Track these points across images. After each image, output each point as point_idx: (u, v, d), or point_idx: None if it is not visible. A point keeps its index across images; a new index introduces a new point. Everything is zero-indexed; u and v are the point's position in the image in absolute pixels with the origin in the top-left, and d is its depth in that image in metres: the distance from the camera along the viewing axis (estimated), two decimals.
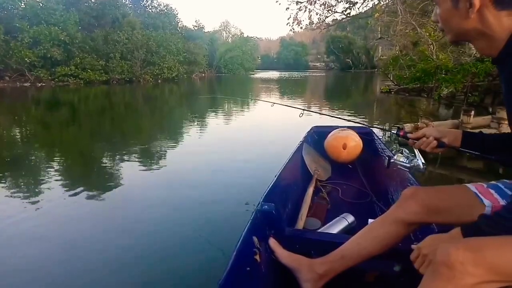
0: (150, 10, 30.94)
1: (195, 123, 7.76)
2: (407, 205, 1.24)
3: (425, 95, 11.60)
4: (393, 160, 1.54)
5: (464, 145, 1.22)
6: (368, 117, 8.24)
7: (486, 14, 0.88)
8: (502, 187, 1.15)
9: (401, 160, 1.52)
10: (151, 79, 24.47)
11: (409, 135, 1.32)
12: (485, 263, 0.80)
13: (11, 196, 3.19)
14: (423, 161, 1.46)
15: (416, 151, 1.44)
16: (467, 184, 1.21)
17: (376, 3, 10.12)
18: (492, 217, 0.92)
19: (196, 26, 38.12)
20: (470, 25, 0.90)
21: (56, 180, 3.66)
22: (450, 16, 0.94)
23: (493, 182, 1.19)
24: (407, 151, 1.52)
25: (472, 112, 5.06)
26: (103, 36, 23.26)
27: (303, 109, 1.79)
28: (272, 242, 1.52)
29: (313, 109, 10.33)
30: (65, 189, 3.37)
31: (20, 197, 3.19)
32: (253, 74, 39.98)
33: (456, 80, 8.75)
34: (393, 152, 2.66)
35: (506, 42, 0.88)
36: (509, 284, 0.86)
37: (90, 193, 3.27)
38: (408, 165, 1.49)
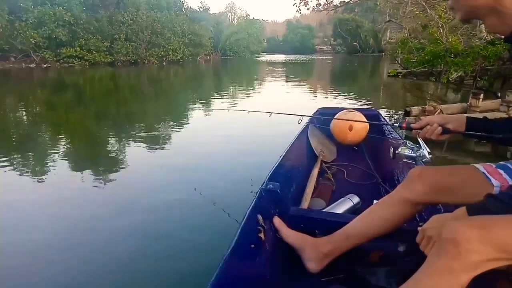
0: None
1: (200, 106, 7.73)
2: (414, 185, 1.22)
3: (433, 79, 11.42)
4: (398, 152, 1.52)
5: (468, 129, 1.20)
6: (375, 101, 8.14)
7: None
8: (511, 166, 1.13)
9: (406, 152, 1.50)
10: (156, 61, 24.29)
11: (412, 125, 1.29)
12: (492, 240, 0.79)
13: (17, 178, 3.21)
14: (428, 150, 1.43)
15: (421, 141, 1.40)
16: (475, 165, 1.19)
17: None
18: (499, 196, 0.90)
19: (201, 8, 37.51)
20: (482, 0, 0.87)
21: (58, 160, 3.69)
22: None
23: (502, 162, 1.17)
24: (411, 142, 1.49)
25: (481, 96, 4.97)
26: (108, 17, 22.99)
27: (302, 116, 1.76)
28: (277, 220, 1.52)
29: (318, 93, 10.25)
30: (66, 170, 3.40)
31: (26, 177, 3.22)
32: (259, 57, 39.55)
33: (466, 64, 8.60)
34: (400, 135, 2.64)
35: None
36: None
37: (94, 175, 3.30)
38: (414, 155, 1.47)
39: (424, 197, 1.21)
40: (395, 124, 1.40)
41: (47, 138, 4.92)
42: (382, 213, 1.30)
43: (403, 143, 1.52)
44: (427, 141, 1.35)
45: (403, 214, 1.28)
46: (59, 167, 3.48)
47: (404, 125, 1.35)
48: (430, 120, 1.23)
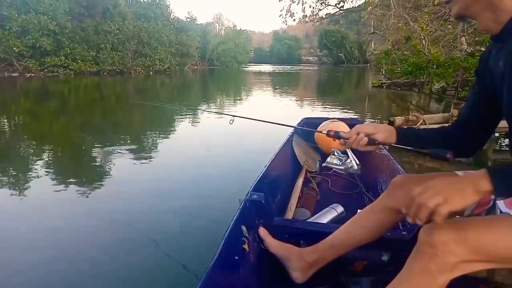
0: (141, 1, 30.45)
1: (185, 116, 7.71)
2: (396, 193, 1.23)
3: (417, 90, 11.68)
4: (325, 164, 1.46)
5: (398, 141, 1.17)
6: (360, 111, 8.26)
7: None
8: None
9: (334, 162, 1.43)
10: (142, 70, 24.20)
11: (341, 133, 1.23)
12: (467, 242, 0.80)
13: None
14: (357, 161, 1.37)
15: (349, 151, 1.36)
16: (457, 172, 1.20)
17: None
18: None
19: (188, 18, 37.71)
20: None
21: (42, 170, 3.60)
22: None
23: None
24: (339, 152, 1.43)
25: (462, 105, 5.10)
26: (94, 27, 22.89)
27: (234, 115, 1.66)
28: (262, 231, 1.52)
29: (305, 103, 10.34)
30: (50, 179, 3.32)
31: (6, 188, 3.14)
32: (246, 67, 39.82)
33: (447, 75, 8.82)
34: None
35: None
36: (491, 265, 0.87)
37: (77, 185, 3.24)
38: (342, 167, 1.41)
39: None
40: (323, 132, 1.31)
41: (28, 148, 4.81)
42: (366, 221, 1.31)
43: (332, 152, 1.47)
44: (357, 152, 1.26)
45: (387, 222, 1.28)
46: (38, 177, 3.40)
47: (332, 133, 1.27)
48: (358, 130, 1.18)
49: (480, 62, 1.12)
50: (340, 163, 1.39)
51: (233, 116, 1.63)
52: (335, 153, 1.42)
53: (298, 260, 1.36)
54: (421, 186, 0.82)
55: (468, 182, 0.80)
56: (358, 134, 1.16)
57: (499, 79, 0.96)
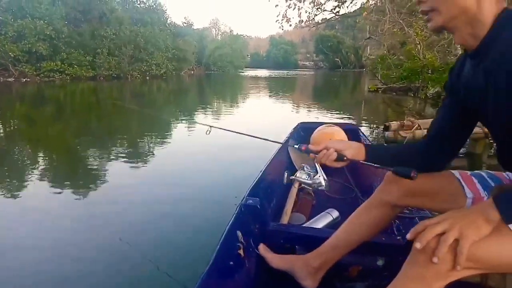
0: (138, 6, 30.54)
1: (181, 121, 7.70)
2: (390, 187, 1.24)
3: (412, 94, 11.75)
4: (293, 177, 1.46)
5: (367, 157, 1.19)
6: (356, 116, 8.29)
7: None
8: (486, 176, 1.17)
9: (302, 177, 1.42)
10: (139, 75, 24.18)
11: (310, 147, 1.23)
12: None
13: None
14: (325, 177, 1.36)
15: (318, 166, 1.34)
16: (452, 171, 1.21)
17: (364, 1, 10.20)
18: None
19: (185, 23, 37.81)
20: (468, 2, 0.87)
21: (37, 175, 3.59)
22: None
23: (477, 171, 1.20)
24: (309, 167, 1.43)
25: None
26: (90, 31, 22.88)
27: (210, 126, 1.61)
28: (262, 248, 1.51)
29: (301, 108, 10.37)
30: (46, 185, 3.31)
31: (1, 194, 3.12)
32: (243, 72, 39.86)
33: (442, 80, 8.88)
34: None
35: (489, 31, 0.88)
36: (484, 271, 0.88)
37: (74, 190, 3.22)
38: (309, 182, 1.38)
39: (400, 200, 1.23)
40: (295, 146, 1.28)
41: (23, 153, 4.79)
42: (364, 219, 1.31)
43: (301, 167, 1.46)
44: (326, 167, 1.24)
45: (384, 217, 1.29)
46: (32, 182, 3.38)
47: (303, 148, 1.26)
48: (328, 145, 1.18)
49: (450, 76, 1.12)
50: (308, 178, 1.38)
51: (210, 126, 1.62)
52: (305, 168, 1.41)
53: (304, 268, 1.37)
54: (434, 219, 0.83)
55: (478, 213, 0.81)
56: (328, 149, 1.17)
57: (478, 97, 0.96)
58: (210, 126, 1.62)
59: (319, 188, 1.39)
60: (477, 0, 0.87)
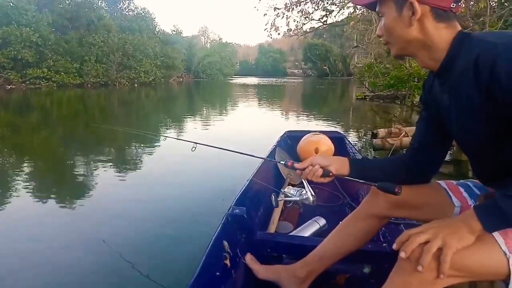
0: (126, 13, 30.52)
1: (168, 131, 7.67)
2: (376, 200, 1.25)
3: (399, 102, 11.92)
4: (280, 199, 1.46)
5: (351, 172, 1.20)
6: (344, 123, 8.36)
7: (426, 24, 0.91)
8: (471, 185, 1.18)
9: (290, 193, 1.42)
10: (127, 83, 24.05)
11: (295, 164, 1.24)
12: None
13: None
14: (312, 192, 1.37)
15: (305, 182, 1.34)
16: (438, 181, 1.23)
17: (351, 11, 10.36)
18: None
19: (174, 31, 37.85)
20: (413, 34, 0.93)
21: (20, 182, 3.51)
22: (395, 25, 0.96)
23: (463, 180, 1.22)
24: (295, 179, 1.43)
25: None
26: (78, 39, 22.73)
27: (196, 143, 1.61)
28: (249, 258, 1.50)
29: (289, 115, 10.42)
30: (30, 192, 3.24)
31: None
32: (232, 79, 39.96)
33: None
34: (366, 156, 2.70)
35: (447, 54, 0.92)
36: (469, 279, 0.88)
37: (59, 201, 3.16)
38: (297, 198, 1.39)
39: (387, 211, 1.24)
40: (281, 162, 1.29)
41: (5, 161, 4.69)
42: (351, 230, 1.31)
43: (288, 176, 1.46)
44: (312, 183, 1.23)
45: (371, 228, 1.29)
46: (15, 189, 3.31)
47: (289, 163, 1.26)
48: (313, 161, 1.18)
49: (424, 91, 1.15)
50: (296, 194, 1.38)
51: (195, 143, 1.62)
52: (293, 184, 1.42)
53: (290, 278, 1.36)
54: (418, 229, 0.86)
55: (460, 223, 0.84)
56: (313, 165, 1.17)
57: (445, 111, 1.00)
58: (195, 143, 1.61)
59: (306, 203, 1.39)
60: (421, 30, 0.92)
